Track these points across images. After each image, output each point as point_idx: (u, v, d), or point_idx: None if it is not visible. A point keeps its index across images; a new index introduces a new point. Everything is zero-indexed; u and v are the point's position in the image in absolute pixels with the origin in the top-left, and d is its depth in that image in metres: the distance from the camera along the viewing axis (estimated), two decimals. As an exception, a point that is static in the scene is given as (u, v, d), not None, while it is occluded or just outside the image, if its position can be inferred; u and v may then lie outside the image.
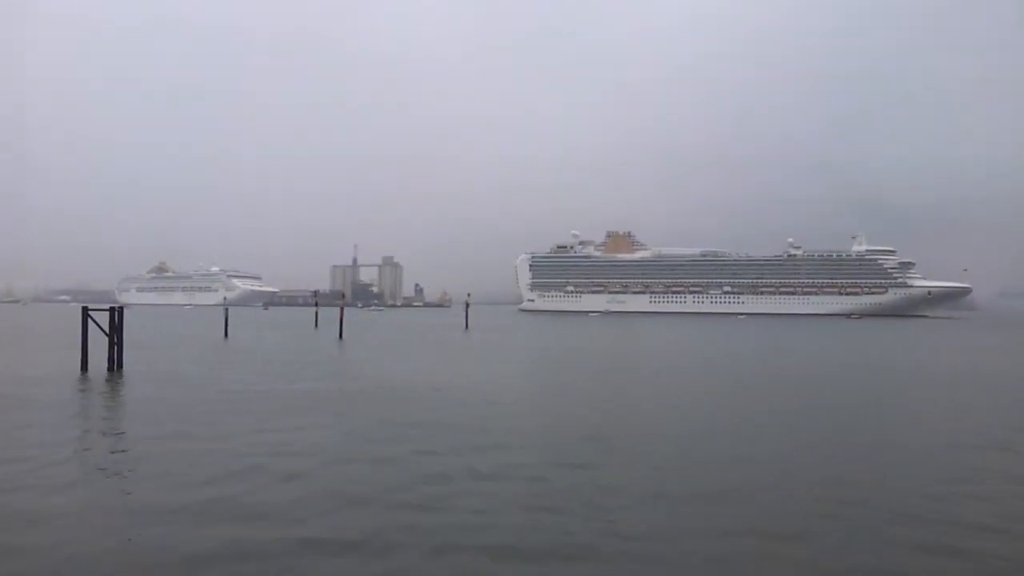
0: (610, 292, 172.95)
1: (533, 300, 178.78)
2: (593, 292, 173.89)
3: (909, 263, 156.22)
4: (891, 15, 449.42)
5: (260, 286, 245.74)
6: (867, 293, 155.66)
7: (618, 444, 14.49)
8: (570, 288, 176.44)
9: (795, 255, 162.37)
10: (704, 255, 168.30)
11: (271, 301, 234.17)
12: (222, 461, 12.26)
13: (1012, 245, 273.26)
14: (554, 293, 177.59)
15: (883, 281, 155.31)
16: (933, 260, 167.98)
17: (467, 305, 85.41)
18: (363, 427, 16.00)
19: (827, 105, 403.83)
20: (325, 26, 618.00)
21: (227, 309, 61.04)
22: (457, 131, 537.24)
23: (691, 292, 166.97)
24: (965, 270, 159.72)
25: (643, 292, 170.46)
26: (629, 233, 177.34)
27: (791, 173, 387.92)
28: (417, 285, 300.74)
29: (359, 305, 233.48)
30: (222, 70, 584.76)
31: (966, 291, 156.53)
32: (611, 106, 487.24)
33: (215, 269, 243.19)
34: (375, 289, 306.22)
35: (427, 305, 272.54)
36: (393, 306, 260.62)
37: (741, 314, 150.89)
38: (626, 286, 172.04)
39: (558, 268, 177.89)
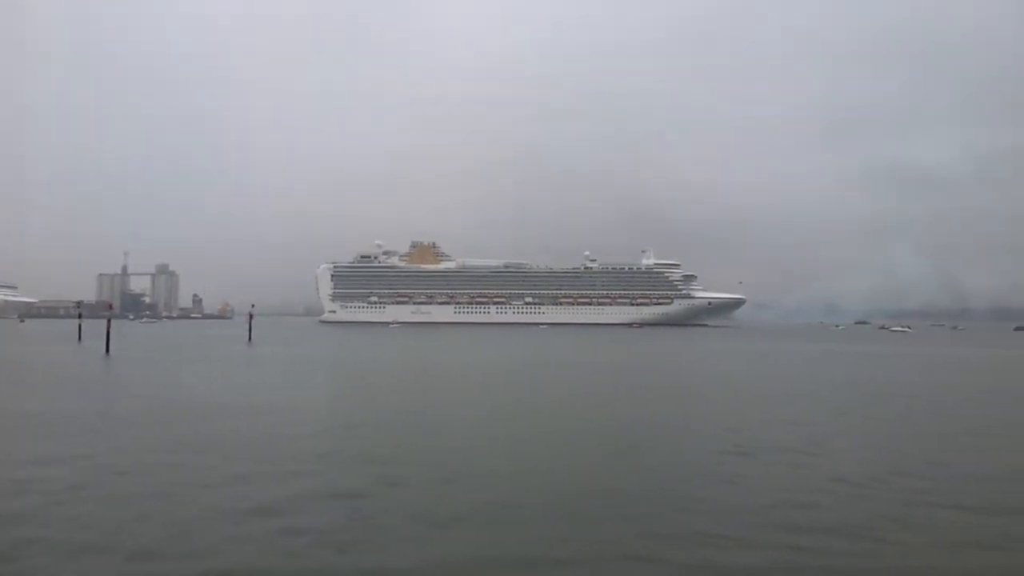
0: (415, 303, 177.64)
1: (335, 311, 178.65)
2: (398, 303, 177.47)
3: (692, 276, 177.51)
4: (667, 54, 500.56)
5: (15, 296, 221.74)
6: (655, 303, 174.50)
7: (392, 467, 14.34)
8: (374, 299, 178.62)
9: (591, 268, 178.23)
10: (507, 267, 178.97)
11: (28, 313, 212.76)
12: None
13: (765, 262, 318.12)
14: (357, 304, 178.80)
15: (670, 292, 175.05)
16: (711, 274, 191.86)
17: (251, 316, 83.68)
18: (112, 456, 15.06)
19: (615, 130, 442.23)
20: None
21: (-31, 323, 57.15)
22: (249, 131, 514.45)
23: (495, 303, 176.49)
24: (740, 283, 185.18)
25: (448, 303, 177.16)
26: (434, 244, 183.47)
27: (583, 192, 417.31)
28: (196, 295, 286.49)
29: (130, 317, 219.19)
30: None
31: (741, 302, 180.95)
32: (420, 118, 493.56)
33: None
34: (147, 299, 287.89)
35: (207, 317, 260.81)
36: (168, 318, 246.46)
37: (542, 324, 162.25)
38: (431, 297, 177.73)
39: (361, 278, 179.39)
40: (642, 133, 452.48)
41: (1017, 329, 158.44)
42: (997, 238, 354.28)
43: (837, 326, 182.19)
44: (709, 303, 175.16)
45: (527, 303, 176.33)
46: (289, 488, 12.52)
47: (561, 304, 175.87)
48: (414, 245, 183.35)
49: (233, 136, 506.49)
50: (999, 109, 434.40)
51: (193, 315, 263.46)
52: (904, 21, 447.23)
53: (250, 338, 74.90)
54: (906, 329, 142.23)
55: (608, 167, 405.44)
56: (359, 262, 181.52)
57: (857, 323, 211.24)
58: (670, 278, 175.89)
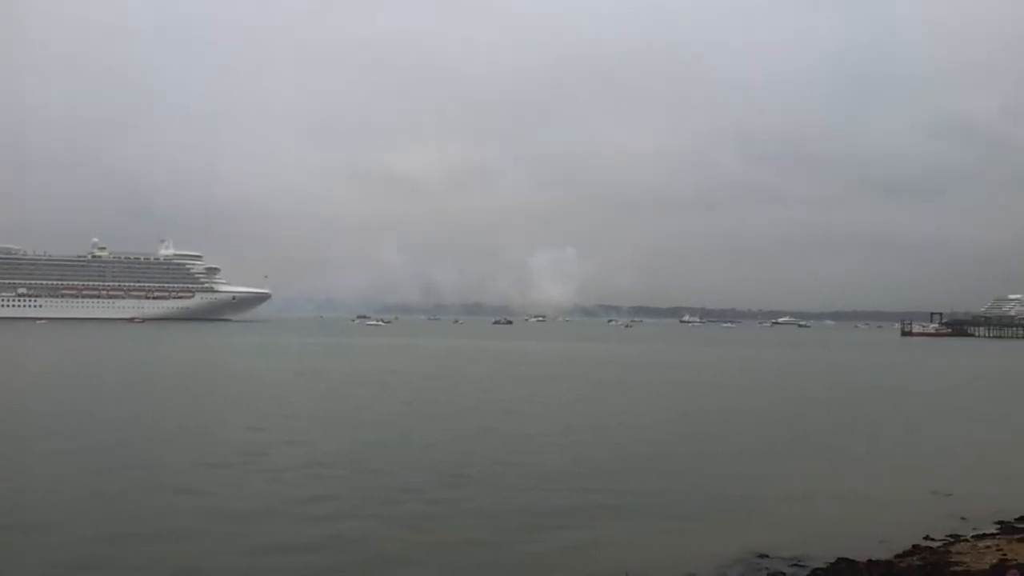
0: None
1: None
2: None
3: (215, 268, 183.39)
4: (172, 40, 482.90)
5: None
6: (175, 297, 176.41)
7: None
8: None
9: (100, 256, 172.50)
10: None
11: None
12: None
13: (277, 254, 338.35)
14: None
15: (191, 285, 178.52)
16: (238, 267, 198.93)
17: None
18: None
19: (117, 110, 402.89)
20: None
21: None
22: None
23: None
24: (266, 277, 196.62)
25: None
26: None
27: (90, 173, 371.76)
28: None
29: None
30: None
31: (266, 296, 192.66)
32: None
33: None
34: None
35: None
36: None
37: (40, 319, 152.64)
38: None
39: None
40: (145, 116, 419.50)
41: (495, 323, 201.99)
42: (468, 240, 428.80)
43: (352, 320, 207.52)
44: (233, 297, 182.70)
45: (20, 295, 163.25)
46: None
47: (63, 296, 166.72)
48: None
49: None
50: (470, 129, 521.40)
51: None
52: (392, 37, 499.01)
53: None
54: (379, 323, 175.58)
55: (112, 148, 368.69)
56: None
57: (359, 317, 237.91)
58: (191, 270, 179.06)
